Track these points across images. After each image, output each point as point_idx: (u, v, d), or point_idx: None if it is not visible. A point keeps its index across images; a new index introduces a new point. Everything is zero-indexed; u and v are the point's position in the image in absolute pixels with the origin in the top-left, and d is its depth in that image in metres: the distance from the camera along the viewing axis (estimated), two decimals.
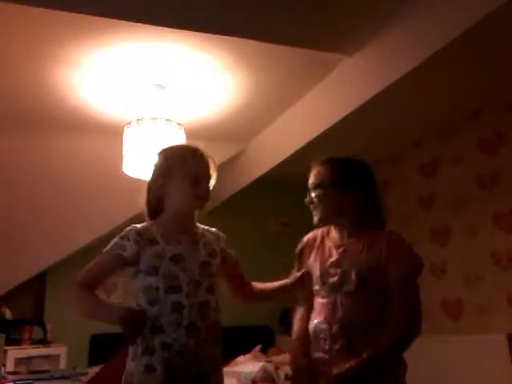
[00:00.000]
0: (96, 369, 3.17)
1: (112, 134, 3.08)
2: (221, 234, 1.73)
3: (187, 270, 1.48)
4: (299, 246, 1.72)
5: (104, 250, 1.51)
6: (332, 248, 1.59)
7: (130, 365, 1.43)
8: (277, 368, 3.50)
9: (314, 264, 1.61)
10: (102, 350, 3.61)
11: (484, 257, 3.13)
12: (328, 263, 1.55)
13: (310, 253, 1.65)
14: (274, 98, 3.13)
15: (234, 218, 4.48)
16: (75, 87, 2.77)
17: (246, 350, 3.70)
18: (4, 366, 3.06)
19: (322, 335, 1.49)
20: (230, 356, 3.66)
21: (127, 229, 1.53)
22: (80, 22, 2.16)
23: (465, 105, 3.15)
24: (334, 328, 1.46)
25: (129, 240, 1.49)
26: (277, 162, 3.54)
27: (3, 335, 3.23)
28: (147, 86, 2.78)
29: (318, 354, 1.50)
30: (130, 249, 1.47)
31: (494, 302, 3.04)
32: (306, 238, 1.71)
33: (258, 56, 2.61)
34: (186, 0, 2.07)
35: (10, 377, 2.91)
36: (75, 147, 3.30)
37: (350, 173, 1.59)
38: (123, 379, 1.44)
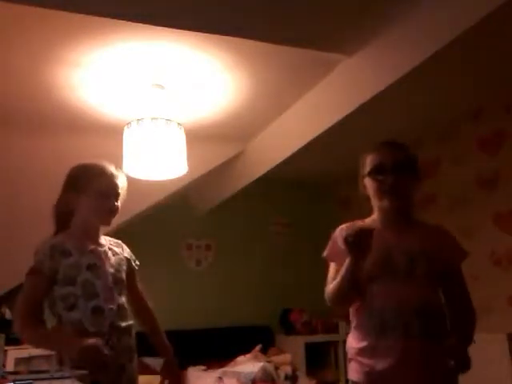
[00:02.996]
0: None
1: (112, 133, 3.08)
2: (124, 245, 1.87)
3: (102, 278, 1.65)
4: (342, 233, 1.60)
5: (26, 275, 1.62)
6: (389, 233, 1.55)
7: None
8: (277, 368, 3.50)
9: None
10: None
11: (484, 257, 3.13)
12: (389, 247, 1.51)
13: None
14: (274, 97, 3.13)
15: (234, 218, 4.48)
16: (75, 87, 2.77)
17: (246, 350, 3.70)
18: (4, 365, 3.06)
19: (391, 322, 1.44)
20: (230, 356, 3.67)
21: (39, 245, 1.66)
22: (80, 21, 2.16)
23: (465, 105, 3.15)
24: (407, 314, 1.44)
25: (44, 255, 1.61)
26: (277, 162, 3.53)
27: (3, 335, 3.23)
28: (147, 86, 2.78)
29: (387, 342, 1.45)
30: (47, 263, 1.60)
31: (493, 302, 3.04)
32: (346, 226, 1.63)
33: (257, 56, 2.61)
34: (186, 0, 2.07)
35: (10, 377, 2.91)
36: (75, 147, 3.29)
37: (417, 162, 1.60)
38: None
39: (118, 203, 1.77)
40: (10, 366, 3.07)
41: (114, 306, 1.64)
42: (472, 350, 2.79)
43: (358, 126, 3.05)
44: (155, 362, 3.66)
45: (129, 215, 3.48)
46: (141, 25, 2.16)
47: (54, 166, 3.34)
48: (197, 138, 3.24)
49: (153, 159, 2.77)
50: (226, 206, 4.27)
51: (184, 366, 3.62)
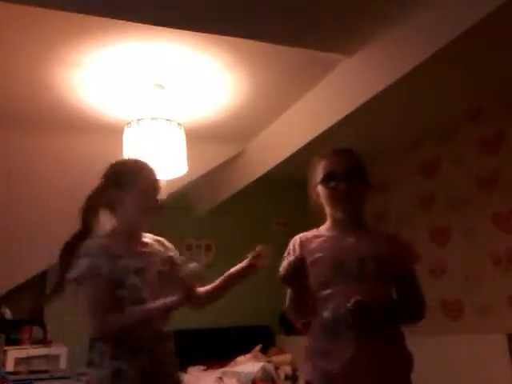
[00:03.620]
0: None
1: (112, 134, 3.08)
2: (167, 242, 1.77)
3: (148, 283, 1.56)
4: (294, 244, 1.65)
5: (83, 283, 1.52)
6: (341, 239, 1.57)
7: (96, 372, 1.47)
8: (277, 368, 3.50)
9: (318, 257, 1.57)
10: None
11: (484, 257, 3.12)
12: (341, 252, 1.53)
13: (309, 247, 1.61)
14: (274, 98, 3.13)
15: (234, 217, 4.49)
16: (75, 87, 2.77)
17: (246, 350, 3.71)
18: (4, 366, 3.06)
19: (343, 323, 1.45)
20: (230, 356, 3.67)
21: (89, 247, 1.55)
22: (80, 21, 2.16)
23: (465, 105, 3.15)
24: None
25: (97, 257, 1.51)
26: (277, 162, 3.53)
27: (3, 335, 3.23)
28: (147, 86, 2.78)
29: (339, 343, 1.46)
30: (103, 266, 1.50)
31: (493, 302, 3.04)
32: (299, 237, 1.66)
33: (258, 56, 2.61)
34: (186, 0, 2.07)
35: (10, 377, 2.91)
36: (75, 147, 3.29)
37: (367, 168, 1.62)
38: None
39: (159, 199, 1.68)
40: (10, 366, 3.06)
41: None
42: (472, 350, 2.79)
43: (357, 126, 3.05)
44: None
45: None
46: (141, 25, 2.16)
47: (54, 166, 3.35)
48: (197, 138, 3.24)
49: (153, 159, 2.76)
50: (226, 206, 4.27)
51: (184, 366, 3.62)
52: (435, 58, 2.27)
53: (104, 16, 2.07)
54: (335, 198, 1.57)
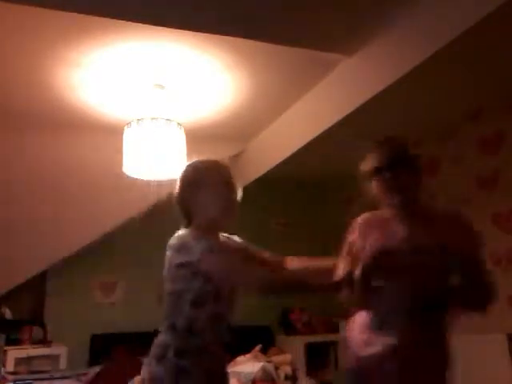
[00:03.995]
0: (96, 369, 3.17)
1: (112, 133, 3.08)
2: (234, 237, 1.75)
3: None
4: (354, 225, 1.67)
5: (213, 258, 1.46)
6: (401, 229, 1.58)
7: (157, 368, 1.40)
8: (277, 368, 3.50)
9: (375, 243, 1.58)
10: (102, 349, 3.61)
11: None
12: (399, 244, 1.54)
13: (371, 233, 1.63)
14: (274, 98, 3.13)
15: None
16: (75, 87, 2.77)
17: (246, 350, 3.70)
18: (4, 366, 3.06)
19: (392, 315, 1.48)
20: (229, 356, 3.67)
21: (212, 243, 1.51)
22: (80, 22, 2.16)
23: (465, 105, 3.15)
24: (409, 307, 1.47)
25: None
26: (277, 162, 3.54)
27: (3, 335, 3.23)
28: (147, 86, 2.78)
29: (386, 332, 1.48)
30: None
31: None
32: (360, 219, 1.68)
33: (258, 56, 2.61)
34: (186, 0, 2.07)
35: (10, 377, 2.91)
36: (75, 147, 3.30)
37: (417, 156, 1.63)
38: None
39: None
40: (10, 366, 3.07)
41: (232, 310, 1.57)
42: (472, 350, 2.78)
43: (357, 126, 3.05)
44: None
45: (129, 215, 3.49)
46: (141, 25, 2.16)
47: (54, 166, 3.35)
48: (197, 138, 3.24)
49: (153, 159, 2.77)
50: None
51: None
52: (435, 58, 2.27)
53: (104, 16, 2.08)
54: (389, 187, 1.58)
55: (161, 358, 1.40)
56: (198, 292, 1.43)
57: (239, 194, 1.65)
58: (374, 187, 1.61)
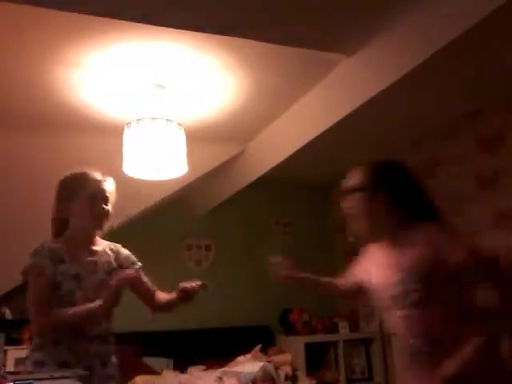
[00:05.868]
0: None
1: (112, 133, 3.08)
2: (122, 249, 1.91)
3: (83, 288, 1.71)
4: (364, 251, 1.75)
5: (29, 275, 1.69)
6: (382, 260, 1.62)
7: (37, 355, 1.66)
8: (277, 368, 3.50)
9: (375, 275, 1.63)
10: None
11: None
12: (383, 275, 1.58)
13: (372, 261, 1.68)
14: (273, 97, 3.13)
15: (234, 218, 4.48)
16: (75, 87, 2.77)
17: (246, 350, 3.70)
18: (4, 365, 3.06)
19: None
20: (230, 356, 3.67)
21: (39, 247, 1.73)
22: (80, 22, 2.16)
23: (465, 105, 3.15)
24: (418, 341, 1.46)
25: (44, 257, 1.69)
26: (277, 162, 3.53)
27: (3, 335, 3.23)
28: (147, 86, 2.78)
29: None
30: (47, 267, 1.68)
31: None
32: (370, 246, 1.74)
33: (257, 56, 2.61)
34: (186, 0, 2.07)
35: (10, 377, 2.91)
36: (75, 147, 3.29)
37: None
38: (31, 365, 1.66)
39: (109, 207, 1.83)
40: (10, 366, 3.07)
41: None
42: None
43: (357, 126, 3.05)
44: (155, 362, 3.67)
45: (129, 215, 3.49)
46: (141, 25, 2.16)
47: (54, 166, 3.34)
48: (197, 138, 3.24)
49: (153, 159, 2.77)
50: (226, 206, 4.27)
51: (184, 366, 3.62)
52: (435, 58, 2.27)
53: (104, 16, 2.07)
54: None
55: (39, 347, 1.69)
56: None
57: (110, 201, 1.84)
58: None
